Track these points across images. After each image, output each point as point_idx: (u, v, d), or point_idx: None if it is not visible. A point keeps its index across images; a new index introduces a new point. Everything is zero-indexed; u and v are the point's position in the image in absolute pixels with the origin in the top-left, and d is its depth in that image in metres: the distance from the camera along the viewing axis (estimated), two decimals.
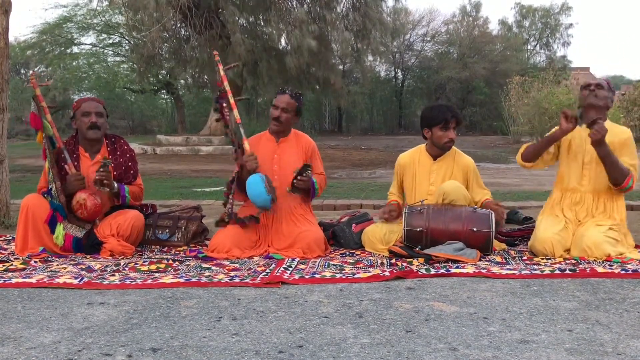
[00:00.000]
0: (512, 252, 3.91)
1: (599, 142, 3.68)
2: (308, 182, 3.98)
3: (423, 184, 4.11)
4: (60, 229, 3.82)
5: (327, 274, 3.33)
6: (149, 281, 3.19)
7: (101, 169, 3.84)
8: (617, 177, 3.73)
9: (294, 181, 3.93)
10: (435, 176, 4.09)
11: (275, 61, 15.13)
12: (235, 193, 4.03)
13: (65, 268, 3.49)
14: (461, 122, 4.09)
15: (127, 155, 4.14)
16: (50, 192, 3.90)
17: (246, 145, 3.99)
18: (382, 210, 4.15)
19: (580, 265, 3.47)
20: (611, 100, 3.91)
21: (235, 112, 4.03)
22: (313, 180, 4.03)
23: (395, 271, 3.36)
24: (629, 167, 3.76)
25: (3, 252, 3.96)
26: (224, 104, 4.02)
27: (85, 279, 3.22)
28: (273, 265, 3.56)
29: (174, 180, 9.48)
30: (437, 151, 4.11)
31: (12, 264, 3.59)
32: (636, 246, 3.89)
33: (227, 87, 4.05)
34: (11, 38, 5.48)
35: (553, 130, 3.92)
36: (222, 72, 4.05)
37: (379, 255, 3.84)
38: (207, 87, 19.99)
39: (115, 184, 3.96)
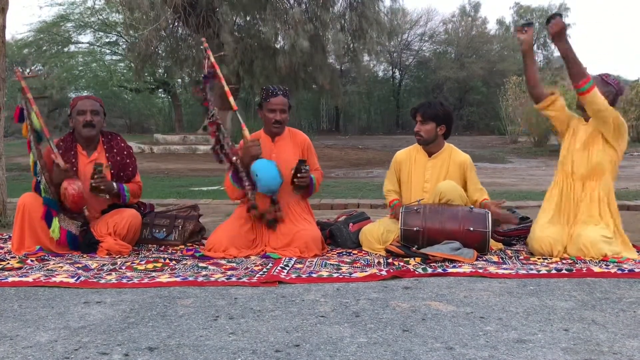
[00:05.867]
0: (508, 251, 3.92)
1: (557, 36, 3.72)
2: (308, 178, 3.96)
3: (418, 180, 4.12)
4: (56, 223, 3.82)
5: (324, 273, 3.33)
6: (146, 280, 3.18)
7: (95, 176, 3.83)
8: (575, 74, 3.73)
9: (295, 180, 3.92)
10: (431, 173, 4.10)
11: (271, 61, 15.12)
12: (229, 187, 4.01)
13: (61, 267, 3.48)
14: (427, 115, 4.05)
15: (124, 152, 4.13)
16: (39, 186, 3.87)
17: (246, 132, 3.96)
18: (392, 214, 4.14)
19: (577, 265, 3.48)
20: (610, 93, 3.86)
21: (232, 100, 3.98)
22: (312, 177, 4.02)
23: (392, 270, 3.36)
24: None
25: (0, 250, 3.96)
26: (208, 86, 3.97)
27: (82, 278, 3.21)
28: (270, 264, 3.56)
29: (171, 179, 9.48)
30: (431, 148, 4.12)
31: (8, 263, 3.58)
32: (634, 246, 3.90)
33: (220, 74, 4.02)
34: (8, 36, 5.47)
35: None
36: (212, 59, 3.98)
37: (376, 254, 3.85)
38: None
39: (115, 185, 3.95)
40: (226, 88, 3.98)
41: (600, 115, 3.77)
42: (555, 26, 3.71)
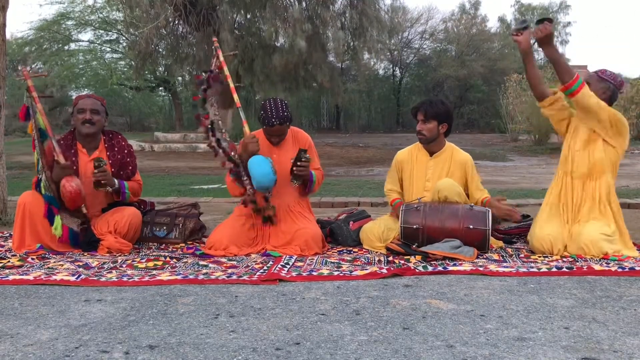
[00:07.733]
0: (509, 249, 3.92)
1: (543, 41, 3.72)
2: (308, 167, 3.92)
3: (420, 180, 4.12)
4: (58, 220, 3.82)
5: (325, 271, 3.33)
6: (146, 278, 3.19)
7: (96, 171, 3.84)
8: (564, 74, 3.72)
9: (294, 169, 3.90)
10: (432, 172, 4.10)
11: (271, 59, 15.11)
12: (230, 183, 4.01)
13: (62, 265, 3.49)
14: (429, 114, 4.03)
15: (125, 151, 4.14)
16: (39, 184, 3.87)
17: (246, 128, 3.97)
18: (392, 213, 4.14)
19: (577, 263, 3.48)
20: (608, 89, 3.84)
21: (235, 96, 3.99)
22: (312, 172, 4.01)
23: (392, 268, 3.36)
24: None
25: (0, 249, 3.96)
26: (211, 82, 3.99)
27: (83, 276, 3.22)
28: (270, 262, 3.56)
29: (172, 178, 9.48)
30: (433, 147, 4.12)
31: (9, 261, 3.58)
32: (634, 244, 3.89)
33: (227, 72, 4.04)
34: (8, 34, 5.46)
35: None
36: (221, 58, 4.02)
37: (376, 252, 3.85)
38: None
39: (116, 181, 3.96)
40: (232, 85, 4.00)
41: (593, 115, 3.75)
42: (541, 32, 3.70)
